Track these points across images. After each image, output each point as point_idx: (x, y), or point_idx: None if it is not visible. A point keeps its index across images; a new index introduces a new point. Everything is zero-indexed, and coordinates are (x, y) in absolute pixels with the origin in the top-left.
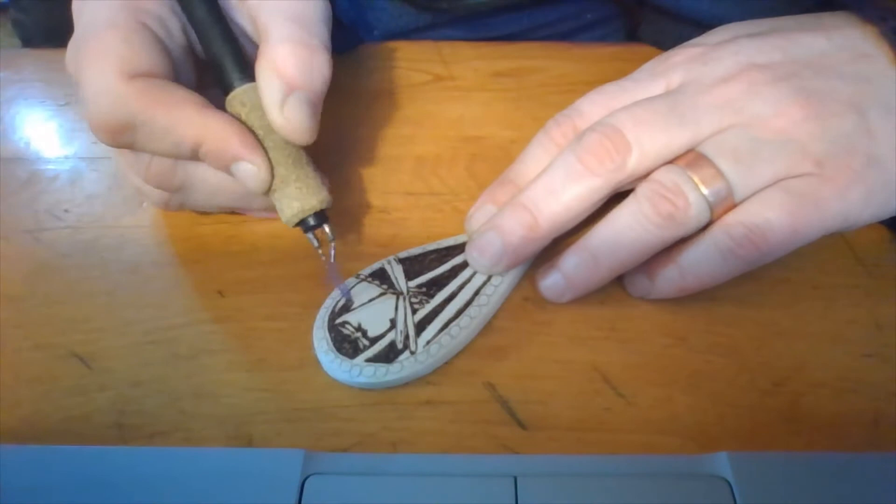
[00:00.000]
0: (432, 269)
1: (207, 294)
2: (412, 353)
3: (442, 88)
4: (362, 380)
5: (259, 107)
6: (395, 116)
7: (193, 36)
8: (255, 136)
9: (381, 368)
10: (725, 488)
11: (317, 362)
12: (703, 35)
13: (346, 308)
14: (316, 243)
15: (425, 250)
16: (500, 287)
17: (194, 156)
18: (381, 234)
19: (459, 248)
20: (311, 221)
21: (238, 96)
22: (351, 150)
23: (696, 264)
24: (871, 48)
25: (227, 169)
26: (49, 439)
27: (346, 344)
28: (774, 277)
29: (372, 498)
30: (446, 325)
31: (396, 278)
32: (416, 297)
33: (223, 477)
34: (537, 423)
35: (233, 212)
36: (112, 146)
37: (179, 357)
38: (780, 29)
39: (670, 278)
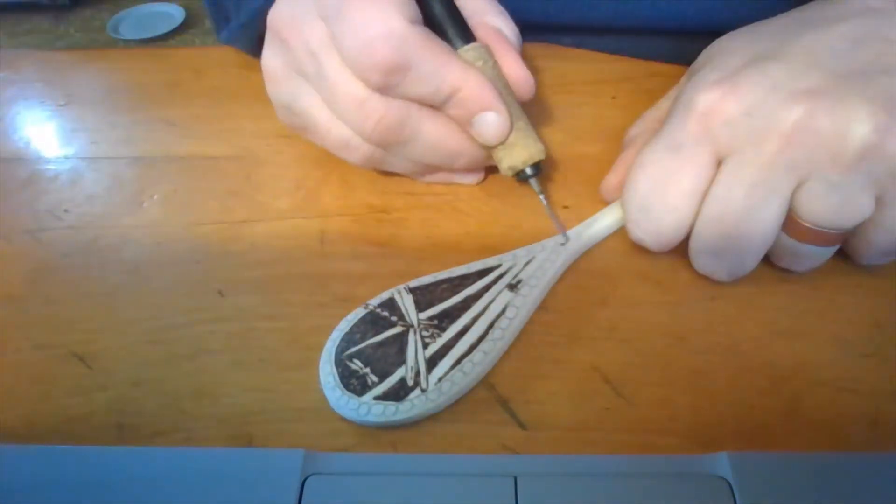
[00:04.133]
0: (444, 299)
1: (207, 294)
2: (423, 390)
3: None
4: (370, 419)
5: (490, 64)
6: None
7: None
8: None
9: (391, 407)
10: (725, 488)
11: (316, 362)
12: (708, 58)
13: (354, 341)
14: (537, 188)
15: (436, 279)
16: (514, 320)
17: (445, 101)
18: (381, 234)
19: (472, 278)
20: (529, 171)
21: (469, 52)
22: None
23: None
24: (888, 29)
25: (469, 118)
26: (49, 439)
27: (354, 380)
28: (774, 277)
29: (372, 498)
30: (459, 361)
31: (406, 309)
32: (427, 331)
33: (223, 477)
34: (537, 423)
35: (418, 176)
36: (378, 86)
37: (179, 357)
38: (789, 37)
39: None
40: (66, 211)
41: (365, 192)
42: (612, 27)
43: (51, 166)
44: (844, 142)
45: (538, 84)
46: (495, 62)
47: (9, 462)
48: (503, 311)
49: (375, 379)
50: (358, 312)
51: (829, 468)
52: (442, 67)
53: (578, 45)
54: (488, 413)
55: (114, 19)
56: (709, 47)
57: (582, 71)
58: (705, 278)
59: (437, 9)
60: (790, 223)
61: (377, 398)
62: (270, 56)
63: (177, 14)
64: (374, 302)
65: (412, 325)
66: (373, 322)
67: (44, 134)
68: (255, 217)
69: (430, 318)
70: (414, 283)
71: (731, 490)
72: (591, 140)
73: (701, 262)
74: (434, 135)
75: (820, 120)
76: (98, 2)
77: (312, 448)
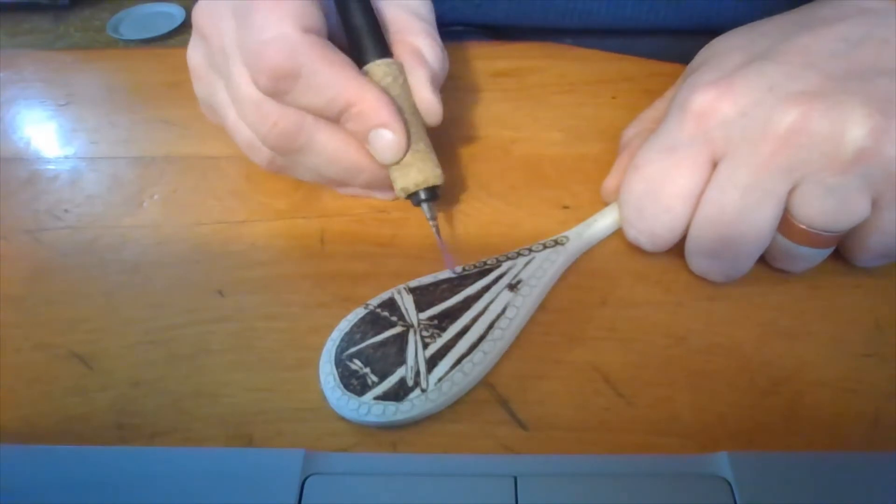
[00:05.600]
0: (444, 299)
1: (207, 294)
2: (423, 390)
3: (442, 88)
4: (370, 419)
5: (400, 82)
6: None
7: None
8: None
9: (391, 407)
10: (725, 488)
11: (316, 362)
12: (705, 58)
13: (355, 341)
14: (429, 214)
15: (436, 279)
16: (514, 320)
17: (339, 115)
18: (381, 234)
19: (472, 278)
20: (423, 195)
21: (380, 67)
22: None
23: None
24: (885, 30)
25: (366, 134)
26: (49, 439)
27: (354, 380)
28: (774, 277)
29: (372, 498)
30: (459, 361)
31: (406, 309)
32: (427, 331)
33: (223, 477)
34: (537, 423)
35: (326, 184)
36: (267, 91)
37: (179, 357)
38: (786, 37)
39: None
40: (66, 211)
41: None
42: (612, 29)
43: (51, 166)
44: (840, 144)
45: (538, 84)
46: (405, 81)
47: (9, 462)
48: (503, 311)
49: (375, 379)
50: (358, 312)
51: (829, 468)
52: (335, 79)
53: (579, 46)
54: (488, 413)
55: (114, 19)
56: (705, 47)
57: (582, 71)
58: (705, 278)
59: (357, 20)
60: (786, 225)
61: (377, 398)
62: (192, 51)
63: (177, 14)
64: (374, 302)
65: (412, 325)
66: (373, 322)
67: (44, 134)
68: (255, 217)
69: (431, 318)
70: (414, 283)
71: (731, 490)
72: (591, 140)
73: (696, 263)
74: (330, 147)
75: (816, 122)
76: (98, 2)
77: (312, 448)
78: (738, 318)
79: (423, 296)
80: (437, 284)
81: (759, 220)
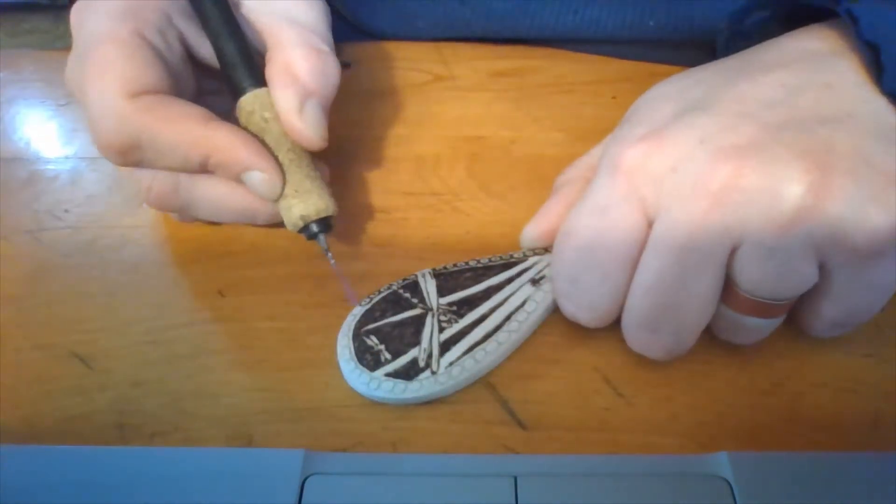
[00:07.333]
0: (466, 287)
1: (207, 294)
2: (433, 372)
3: (442, 88)
4: (380, 394)
5: (272, 111)
6: (395, 116)
7: (193, 42)
8: (265, 141)
9: (400, 385)
10: (725, 488)
11: (316, 362)
12: (635, 108)
13: (374, 318)
14: (323, 247)
15: (461, 267)
16: (532, 314)
17: (204, 168)
18: (381, 234)
19: (497, 269)
20: (315, 228)
21: (249, 101)
22: (351, 150)
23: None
24: (828, 74)
25: (237, 178)
26: (49, 439)
27: (368, 355)
28: None
29: (372, 498)
30: (472, 349)
31: (428, 293)
32: (445, 315)
33: (223, 477)
34: (537, 423)
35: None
36: (121, 165)
37: (179, 357)
38: (721, 85)
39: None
40: (66, 211)
41: (365, 192)
42: (610, 39)
43: (51, 166)
44: (777, 202)
45: (538, 84)
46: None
47: (9, 462)
48: (522, 304)
49: (389, 356)
50: (381, 291)
51: (829, 468)
52: (179, 137)
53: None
54: (488, 413)
55: None
56: (640, 97)
57: (582, 71)
58: (644, 356)
59: (223, 51)
60: (728, 293)
61: (388, 375)
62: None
63: None
64: (398, 282)
65: (431, 309)
66: (394, 302)
67: (44, 134)
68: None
69: (450, 304)
70: (440, 269)
71: (731, 490)
72: (591, 140)
73: (634, 337)
74: (216, 197)
75: (749, 178)
76: None
77: (312, 448)
78: None
79: (447, 281)
80: (461, 272)
81: (699, 287)
